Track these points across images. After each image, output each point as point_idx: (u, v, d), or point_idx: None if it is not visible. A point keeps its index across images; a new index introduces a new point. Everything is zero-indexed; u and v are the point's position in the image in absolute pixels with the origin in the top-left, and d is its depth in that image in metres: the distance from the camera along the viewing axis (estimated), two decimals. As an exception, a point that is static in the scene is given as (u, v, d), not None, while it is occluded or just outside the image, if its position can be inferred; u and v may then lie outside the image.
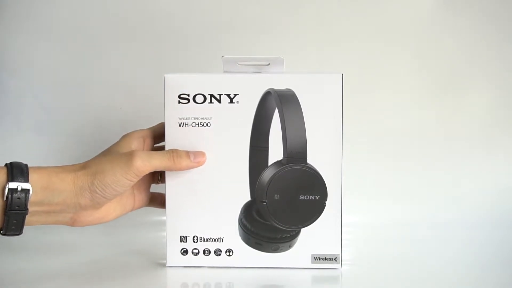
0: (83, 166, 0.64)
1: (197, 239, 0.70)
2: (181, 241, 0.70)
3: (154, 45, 0.93)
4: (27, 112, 0.93)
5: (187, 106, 0.69)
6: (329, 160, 0.68)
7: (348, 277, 0.68)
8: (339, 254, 0.69)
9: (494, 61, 0.93)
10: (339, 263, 0.69)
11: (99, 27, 0.93)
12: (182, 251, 0.70)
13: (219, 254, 0.70)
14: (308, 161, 0.68)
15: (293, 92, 0.68)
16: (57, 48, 0.93)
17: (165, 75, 0.69)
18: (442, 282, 0.67)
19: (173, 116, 0.69)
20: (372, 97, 0.93)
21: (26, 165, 0.62)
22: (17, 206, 0.59)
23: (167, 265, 0.70)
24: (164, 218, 0.70)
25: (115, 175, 0.63)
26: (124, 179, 0.63)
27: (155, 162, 0.65)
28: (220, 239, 0.70)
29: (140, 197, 0.70)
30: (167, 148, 0.69)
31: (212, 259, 0.70)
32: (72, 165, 0.65)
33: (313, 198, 0.68)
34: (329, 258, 0.69)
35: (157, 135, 0.71)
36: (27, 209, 0.60)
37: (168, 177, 0.69)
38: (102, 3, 0.92)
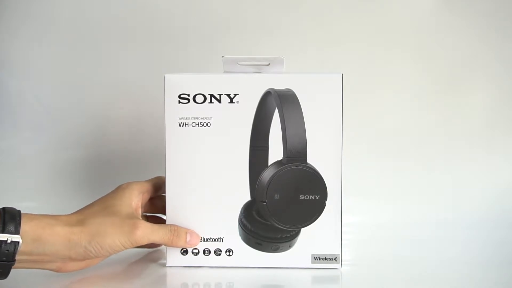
0: (81, 222, 0.63)
1: (197, 239, 0.70)
2: (181, 241, 0.70)
3: (154, 45, 0.93)
4: (27, 112, 0.93)
5: (187, 106, 0.69)
6: (329, 160, 0.68)
7: (348, 277, 0.68)
8: (339, 254, 0.69)
9: (494, 61, 0.94)
10: (339, 263, 0.69)
11: (99, 27, 0.93)
12: (182, 251, 0.70)
13: (219, 254, 0.70)
14: (308, 161, 0.68)
15: (293, 92, 0.68)
16: (57, 48, 0.93)
17: (165, 75, 0.69)
18: (442, 282, 0.67)
19: (173, 116, 0.69)
20: (372, 97, 0.93)
21: (19, 213, 0.60)
22: (4, 257, 0.57)
23: (167, 265, 0.70)
24: (164, 218, 0.70)
25: (114, 241, 0.62)
26: (121, 246, 0.63)
27: (154, 237, 0.66)
28: (220, 239, 0.70)
29: None
30: (167, 149, 0.69)
31: (212, 259, 0.70)
32: (68, 216, 0.64)
33: (313, 198, 0.68)
34: (329, 258, 0.69)
35: (155, 189, 0.72)
36: (15, 260, 0.58)
37: (168, 176, 0.69)
38: (102, 3, 0.92)
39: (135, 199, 0.68)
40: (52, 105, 0.93)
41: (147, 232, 0.64)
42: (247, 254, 0.70)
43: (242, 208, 0.69)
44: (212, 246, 0.70)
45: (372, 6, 0.93)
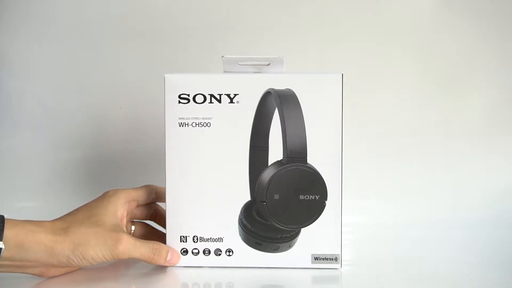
0: (64, 230, 0.62)
1: (197, 239, 0.70)
2: (181, 241, 0.70)
3: (154, 45, 0.93)
4: (27, 112, 0.93)
5: (187, 106, 0.69)
6: (329, 160, 0.68)
7: (348, 277, 0.68)
8: (339, 254, 0.69)
9: (494, 61, 0.94)
10: (339, 263, 0.69)
11: (99, 27, 0.93)
12: (182, 251, 0.70)
13: (219, 254, 0.70)
14: (308, 161, 0.68)
15: (293, 92, 0.68)
16: (57, 48, 0.93)
17: (165, 75, 0.69)
18: (442, 282, 0.67)
19: (173, 116, 0.69)
20: (372, 97, 0.93)
21: (2, 218, 0.60)
22: None
23: (167, 265, 0.70)
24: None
25: (97, 253, 0.63)
26: (103, 258, 0.63)
27: (135, 254, 0.65)
28: (220, 239, 0.70)
29: None
30: (167, 149, 0.69)
31: (212, 259, 0.70)
32: (52, 222, 0.63)
33: (313, 198, 0.68)
34: (329, 258, 0.69)
35: (144, 197, 0.72)
36: None
37: (168, 176, 0.69)
38: (102, 3, 0.92)
39: (121, 209, 0.68)
40: (52, 105, 0.93)
41: (129, 247, 0.64)
42: (247, 254, 0.69)
43: (242, 208, 0.69)
44: (212, 246, 0.70)
45: (372, 6, 0.93)
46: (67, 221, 0.64)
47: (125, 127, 0.93)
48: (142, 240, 0.67)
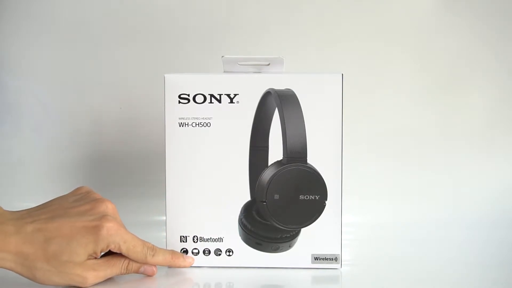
0: None
1: (197, 239, 0.70)
2: (181, 241, 0.70)
3: (154, 45, 0.93)
4: (27, 112, 0.93)
5: (187, 106, 0.69)
6: (329, 160, 0.68)
7: (348, 277, 0.68)
8: (339, 254, 0.69)
9: (494, 61, 0.93)
10: (339, 263, 0.69)
11: (99, 27, 0.93)
12: (182, 251, 0.70)
13: (219, 254, 0.70)
14: (308, 161, 0.68)
15: (293, 92, 0.68)
16: (57, 48, 0.93)
17: (165, 75, 0.69)
18: (442, 282, 0.67)
19: (173, 116, 0.69)
20: (372, 97, 0.93)
21: None
22: None
23: (167, 265, 0.70)
24: (164, 218, 0.70)
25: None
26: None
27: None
28: (220, 239, 0.70)
29: None
30: (167, 149, 0.69)
31: (212, 259, 0.70)
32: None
33: (313, 198, 0.68)
34: (329, 258, 0.69)
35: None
36: None
37: (168, 176, 0.69)
38: (102, 3, 0.92)
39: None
40: (52, 105, 0.93)
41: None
42: (247, 254, 0.70)
43: (242, 208, 0.69)
44: (212, 246, 0.70)
45: (372, 6, 0.93)
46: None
47: (125, 127, 0.93)
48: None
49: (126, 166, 0.93)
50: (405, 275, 0.69)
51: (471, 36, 0.93)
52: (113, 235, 0.61)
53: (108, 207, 0.63)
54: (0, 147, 0.94)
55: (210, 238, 0.70)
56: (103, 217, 0.62)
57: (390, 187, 0.93)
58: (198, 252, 0.70)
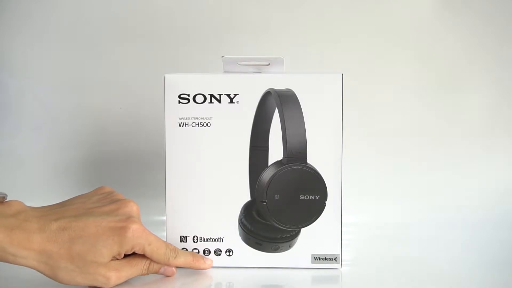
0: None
1: (197, 239, 0.70)
2: (181, 241, 0.70)
3: (154, 45, 0.93)
4: (27, 112, 0.93)
5: (187, 106, 0.69)
6: (329, 160, 0.68)
7: (348, 277, 0.68)
8: (339, 254, 0.69)
9: (494, 61, 0.93)
10: (339, 263, 0.69)
11: (99, 27, 0.93)
12: (182, 251, 0.70)
13: (219, 254, 0.70)
14: (308, 161, 0.68)
15: (293, 92, 0.68)
16: (57, 48, 0.93)
17: (165, 75, 0.69)
18: (442, 282, 0.67)
19: (173, 116, 0.69)
20: (372, 97, 0.93)
21: None
22: None
23: (167, 265, 0.70)
24: (164, 218, 0.70)
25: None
26: None
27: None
28: (220, 239, 0.70)
29: None
30: (167, 149, 0.69)
31: (212, 259, 0.70)
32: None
33: (313, 198, 0.68)
34: (329, 258, 0.69)
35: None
36: None
37: (168, 176, 0.69)
38: (102, 3, 0.92)
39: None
40: (52, 105, 0.93)
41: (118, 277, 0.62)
42: (247, 254, 0.70)
43: (242, 208, 0.69)
44: (212, 246, 0.70)
45: (372, 6, 0.93)
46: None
47: (125, 127, 0.93)
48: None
49: (126, 166, 0.93)
50: (405, 275, 0.69)
51: (471, 36, 0.93)
52: (139, 237, 0.61)
53: (133, 208, 0.63)
54: (0, 147, 0.94)
55: (210, 238, 0.70)
56: (129, 218, 0.61)
57: (390, 186, 0.93)
58: (198, 252, 0.70)
